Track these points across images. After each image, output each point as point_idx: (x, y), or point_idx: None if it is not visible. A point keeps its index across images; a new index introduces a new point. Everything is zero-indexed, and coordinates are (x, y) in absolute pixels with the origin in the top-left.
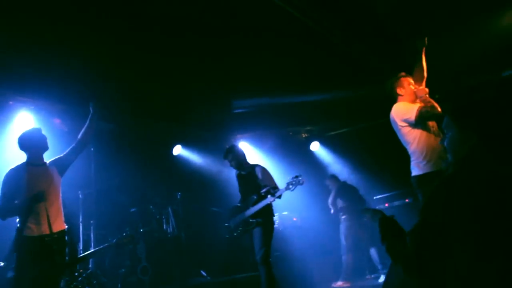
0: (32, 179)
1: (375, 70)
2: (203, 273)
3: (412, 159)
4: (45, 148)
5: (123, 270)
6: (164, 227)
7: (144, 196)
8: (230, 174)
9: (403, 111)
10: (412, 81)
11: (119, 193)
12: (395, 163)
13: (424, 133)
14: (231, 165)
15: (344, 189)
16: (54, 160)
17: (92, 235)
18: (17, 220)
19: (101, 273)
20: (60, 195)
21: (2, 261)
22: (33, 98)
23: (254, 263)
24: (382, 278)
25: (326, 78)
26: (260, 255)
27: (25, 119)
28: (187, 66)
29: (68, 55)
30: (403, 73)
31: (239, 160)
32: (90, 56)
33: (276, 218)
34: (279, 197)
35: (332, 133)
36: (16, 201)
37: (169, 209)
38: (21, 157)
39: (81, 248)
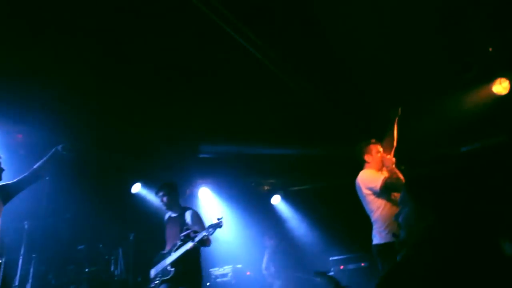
0: None
1: (344, 131)
2: None
3: (374, 227)
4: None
5: None
6: (112, 269)
7: (94, 234)
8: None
9: (368, 180)
10: (380, 149)
11: (68, 228)
12: (354, 226)
13: (388, 204)
14: (161, 202)
15: (278, 254)
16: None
17: (31, 271)
18: None
19: None
20: None
21: None
22: None
23: None
24: None
25: (294, 134)
26: None
27: None
28: (158, 105)
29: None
30: (372, 140)
31: (172, 199)
32: (59, 81)
33: (229, 269)
34: (202, 242)
35: (295, 188)
36: None
37: (119, 250)
38: None
39: (16, 284)
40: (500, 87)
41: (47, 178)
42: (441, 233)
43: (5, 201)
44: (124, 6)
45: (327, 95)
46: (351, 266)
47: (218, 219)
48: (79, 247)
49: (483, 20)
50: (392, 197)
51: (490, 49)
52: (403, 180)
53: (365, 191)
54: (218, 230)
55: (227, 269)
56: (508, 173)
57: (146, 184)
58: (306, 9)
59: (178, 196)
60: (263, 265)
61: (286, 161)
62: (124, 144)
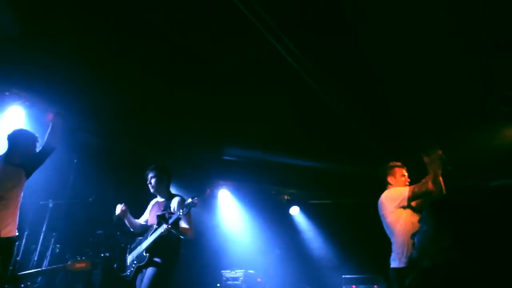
0: (1, 174)
1: (372, 151)
2: None
3: (393, 250)
4: (28, 158)
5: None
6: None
7: (114, 220)
8: (207, 216)
9: (395, 194)
10: (405, 172)
11: (89, 212)
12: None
13: (409, 226)
14: (149, 183)
15: None
16: (24, 162)
17: (50, 248)
18: None
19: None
20: (19, 200)
21: None
22: (29, 94)
23: None
24: None
25: (321, 147)
26: None
27: (16, 113)
28: (190, 101)
29: (75, 61)
30: (398, 163)
31: (161, 184)
32: (97, 67)
33: (241, 274)
34: (175, 225)
35: (315, 201)
36: None
37: (137, 240)
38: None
39: (35, 259)
40: None
41: (75, 160)
42: (455, 259)
43: (28, 175)
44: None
45: (359, 112)
46: (362, 287)
47: (192, 198)
48: (98, 232)
49: None
50: (414, 219)
51: None
52: (431, 188)
53: (389, 209)
54: (233, 232)
55: (238, 273)
56: None
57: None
58: (346, 23)
59: (169, 183)
60: None
61: (309, 173)
62: (152, 136)
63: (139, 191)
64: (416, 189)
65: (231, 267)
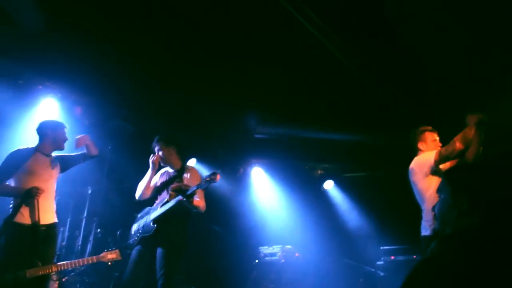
0: (35, 166)
1: (403, 119)
2: None
3: (423, 217)
4: (60, 147)
5: (116, 274)
6: None
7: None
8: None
9: (423, 159)
10: (437, 137)
11: (123, 197)
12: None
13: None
14: (159, 156)
15: None
16: (61, 156)
17: (93, 232)
18: (11, 203)
19: (94, 272)
20: (55, 188)
21: None
22: (62, 86)
23: None
24: None
25: (352, 120)
26: (161, 282)
27: (49, 105)
28: (220, 81)
29: (105, 50)
30: (429, 127)
31: (170, 153)
32: (128, 56)
33: (278, 249)
34: (190, 198)
35: (348, 175)
36: (7, 182)
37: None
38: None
39: (79, 243)
40: None
41: (109, 147)
42: (474, 224)
43: (63, 170)
44: None
45: (390, 81)
46: (401, 258)
47: (213, 173)
48: (136, 215)
49: None
50: None
51: None
52: (458, 147)
53: (419, 175)
54: (268, 209)
55: (276, 248)
56: None
57: (202, 159)
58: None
59: (178, 152)
60: None
61: (341, 147)
62: (183, 120)
63: None
64: (443, 151)
65: (268, 243)
